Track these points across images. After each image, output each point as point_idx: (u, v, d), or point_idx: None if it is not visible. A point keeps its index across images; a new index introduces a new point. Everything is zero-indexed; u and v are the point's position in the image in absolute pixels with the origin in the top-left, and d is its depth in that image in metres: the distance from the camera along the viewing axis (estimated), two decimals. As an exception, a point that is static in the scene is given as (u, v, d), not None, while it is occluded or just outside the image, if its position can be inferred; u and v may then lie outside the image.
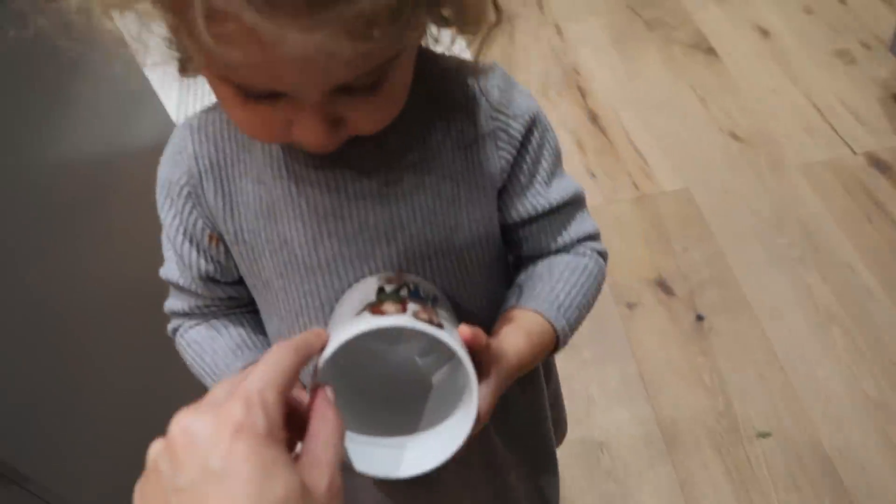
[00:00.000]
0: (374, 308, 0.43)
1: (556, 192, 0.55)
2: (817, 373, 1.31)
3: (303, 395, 0.39)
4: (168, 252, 0.55)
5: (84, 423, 0.78)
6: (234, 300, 0.57)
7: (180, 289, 0.56)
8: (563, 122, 1.86)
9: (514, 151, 0.52)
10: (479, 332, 0.43)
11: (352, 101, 0.39)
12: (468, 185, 0.51)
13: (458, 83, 0.51)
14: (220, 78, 0.38)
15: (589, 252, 0.58)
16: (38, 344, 0.72)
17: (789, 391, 1.29)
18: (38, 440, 0.71)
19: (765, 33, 2.06)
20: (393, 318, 0.40)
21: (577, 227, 0.58)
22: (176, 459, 0.30)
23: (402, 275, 0.50)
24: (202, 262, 0.53)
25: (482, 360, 0.44)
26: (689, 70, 1.97)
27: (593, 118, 1.87)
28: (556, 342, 0.54)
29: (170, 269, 0.55)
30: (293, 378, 0.36)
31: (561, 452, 0.79)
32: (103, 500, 0.74)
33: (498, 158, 0.52)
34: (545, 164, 0.55)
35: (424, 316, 0.41)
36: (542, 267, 0.58)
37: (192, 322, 0.58)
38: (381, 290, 0.46)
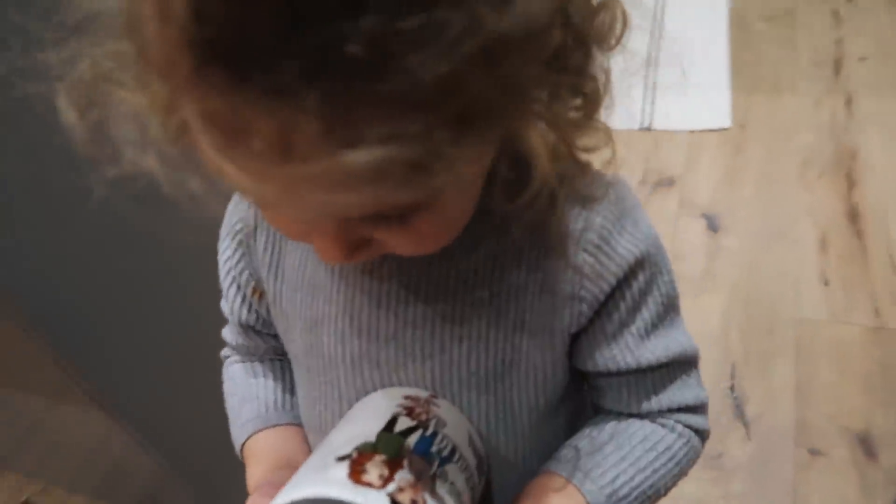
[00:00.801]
0: (357, 463, 0.37)
1: (651, 350, 0.45)
2: None
3: None
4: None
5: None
6: (275, 349, 0.54)
7: (230, 326, 0.54)
8: (811, 210, 1.59)
9: (602, 297, 0.43)
10: None
11: (379, 228, 0.34)
12: (535, 325, 0.43)
13: (557, 211, 0.41)
14: None
15: (679, 428, 0.48)
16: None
17: None
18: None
19: None
20: (346, 493, 0.34)
21: (672, 395, 0.47)
22: None
23: (430, 406, 0.43)
24: (244, 310, 0.51)
25: None
26: None
27: (853, 216, 1.57)
28: None
29: (223, 303, 0.53)
30: None
31: None
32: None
33: (581, 300, 0.43)
34: (645, 315, 0.45)
35: (406, 499, 0.35)
36: (609, 432, 0.47)
37: (237, 357, 0.57)
38: (391, 423, 0.41)
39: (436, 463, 0.39)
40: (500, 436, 0.46)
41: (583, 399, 0.51)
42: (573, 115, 0.34)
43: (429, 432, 0.41)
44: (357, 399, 0.46)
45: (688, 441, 0.47)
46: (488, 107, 0.27)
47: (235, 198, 0.49)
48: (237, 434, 0.53)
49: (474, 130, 0.27)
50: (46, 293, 0.81)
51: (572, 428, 0.50)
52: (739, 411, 1.26)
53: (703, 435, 0.49)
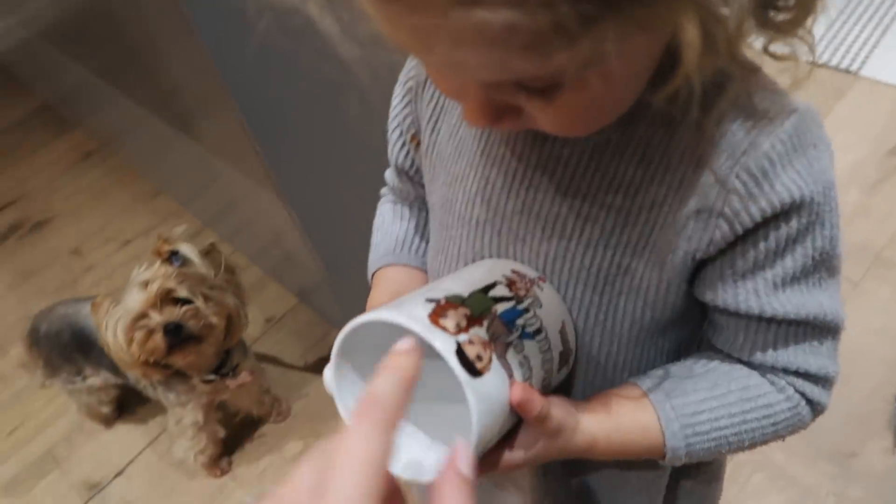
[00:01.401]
0: (441, 308, 0.38)
1: (782, 303, 0.40)
2: None
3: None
4: None
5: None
6: (423, 198, 0.57)
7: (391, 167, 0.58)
8: None
9: (741, 229, 0.38)
10: (531, 401, 0.38)
11: (526, 99, 0.33)
12: (661, 241, 0.41)
13: (726, 125, 0.38)
14: None
15: (789, 391, 0.43)
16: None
17: None
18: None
19: None
20: (418, 326, 0.36)
21: (793, 356, 0.43)
22: None
23: (533, 286, 0.43)
24: (402, 154, 0.54)
25: (534, 426, 0.40)
26: None
27: None
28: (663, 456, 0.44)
29: (389, 149, 0.56)
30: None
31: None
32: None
33: (716, 227, 0.39)
34: (788, 264, 0.40)
35: (472, 351, 0.36)
36: (710, 369, 0.45)
37: (391, 198, 0.60)
38: (489, 287, 0.42)
39: (516, 333, 0.40)
40: (595, 337, 0.45)
41: (697, 331, 0.48)
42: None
43: (521, 307, 0.42)
44: (473, 261, 0.48)
45: (794, 406, 0.43)
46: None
47: None
48: (372, 262, 0.58)
49: (607, 13, 0.26)
50: (258, 101, 0.92)
51: (678, 357, 0.48)
52: (895, 423, 1.13)
53: (815, 407, 0.44)
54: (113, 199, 1.83)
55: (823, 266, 0.41)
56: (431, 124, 0.49)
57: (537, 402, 0.38)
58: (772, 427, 0.43)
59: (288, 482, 0.27)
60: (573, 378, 0.47)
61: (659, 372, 0.46)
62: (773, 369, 0.43)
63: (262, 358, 1.37)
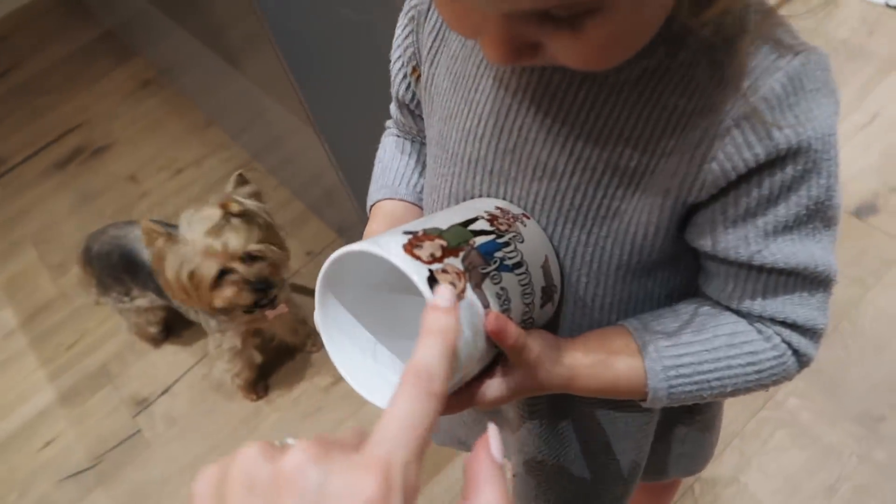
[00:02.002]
0: (417, 239, 0.39)
1: (772, 252, 0.40)
2: None
3: None
4: None
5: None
6: (424, 133, 0.56)
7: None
8: None
9: (734, 174, 0.37)
10: (505, 329, 0.38)
11: (549, 32, 0.32)
12: (653, 183, 0.40)
13: (731, 57, 0.36)
14: None
15: (776, 340, 0.43)
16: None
17: None
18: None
19: None
20: (390, 254, 0.37)
21: (780, 305, 0.42)
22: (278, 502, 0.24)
23: (515, 222, 0.43)
24: (403, 86, 0.54)
25: (511, 356, 0.40)
26: None
27: None
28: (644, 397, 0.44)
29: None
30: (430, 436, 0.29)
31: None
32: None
33: (709, 171, 0.38)
34: (780, 212, 0.39)
35: (445, 279, 0.36)
36: (698, 314, 0.44)
37: (394, 130, 0.60)
38: (469, 221, 0.42)
39: (493, 265, 0.40)
40: (582, 277, 0.45)
41: (691, 279, 0.47)
42: None
43: (501, 240, 0.42)
44: (464, 199, 0.48)
45: (780, 356, 0.43)
46: None
47: None
48: (372, 194, 0.59)
49: None
50: (299, 40, 0.92)
51: (670, 302, 0.47)
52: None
53: (801, 358, 0.44)
54: (167, 128, 1.89)
55: (818, 216, 0.39)
56: (431, 56, 0.48)
57: (512, 330, 0.38)
58: (755, 375, 0.43)
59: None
60: (559, 318, 0.48)
61: (646, 315, 0.46)
62: (761, 318, 0.43)
63: (301, 290, 1.41)
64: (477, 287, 0.38)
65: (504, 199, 0.45)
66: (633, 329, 0.44)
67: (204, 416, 1.30)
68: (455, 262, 0.38)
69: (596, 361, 0.43)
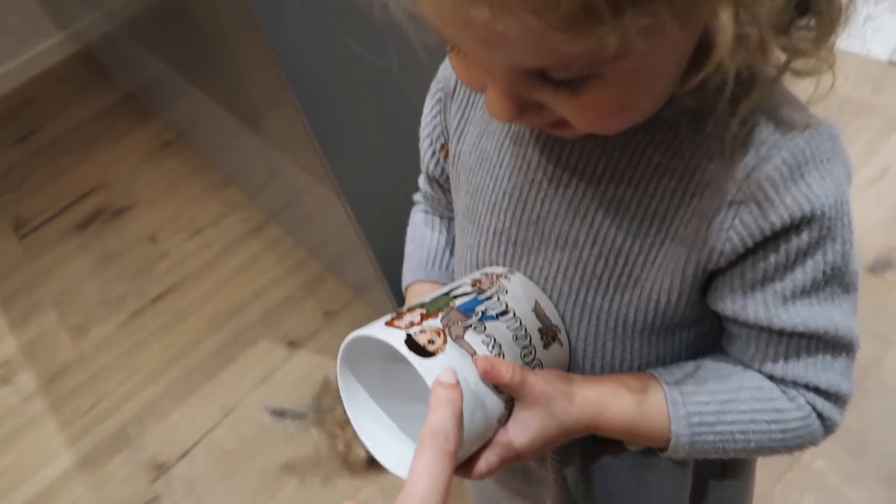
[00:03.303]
0: (399, 315, 0.42)
1: (791, 315, 0.41)
2: None
3: None
4: None
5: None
6: (452, 207, 0.58)
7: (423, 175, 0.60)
8: None
9: (751, 241, 0.39)
10: (494, 368, 0.40)
11: (550, 92, 0.33)
12: (673, 251, 0.41)
13: (742, 129, 0.38)
14: None
15: (800, 401, 0.43)
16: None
17: None
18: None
19: None
20: (372, 332, 0.40)
21: (803, 369, 0.43)
22: None
23: (499, 280, 0.46)
24: (432, 162, 0.56)
25: (514, 395, 0.42)
26: None
27: None
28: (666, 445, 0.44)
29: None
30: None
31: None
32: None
33: (727, 239, 0.39)
34: (798, 277, 0.40)
35: (423, 338, 0.39)
36: (721, 367, 0.45)
37: (423, 206, 0.62)
38: (451, 290, 0.45)
39: (474, 317, 0.42)
40: (608, 343, 0.46)
41: (714, 334, 0.48)
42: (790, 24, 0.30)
43: (482, 297, 0.44)
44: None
45: (805, 417, 0.43)
46: None
47: (444, 62, 0.52)
48: (406, 274, 0.61)
49: (650, 15, 0.26)
50: (319, 99, 0.95)
51: (693, 357, 0.48)
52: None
53: (826, 423, 0.44)
54: (187, 188, 1.92)
55: (836, 281, 0.41)
56: (457, 134, 0.51)
57: (504, 367, 0.40)
58: (780, 434, 0.43)
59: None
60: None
61: (672, 367, 0.46)
62: (784, 381, 0.44)
63: (320, 350, 1.42)
64: (459, 338, 0.40)
65: (528, 267, 0.47)
66: (658, 374, 0.45)
67: (222, 482, 1.29)
68: (433, 323, 0.41)
69: (618, 402, 0.44)
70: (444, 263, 0.59)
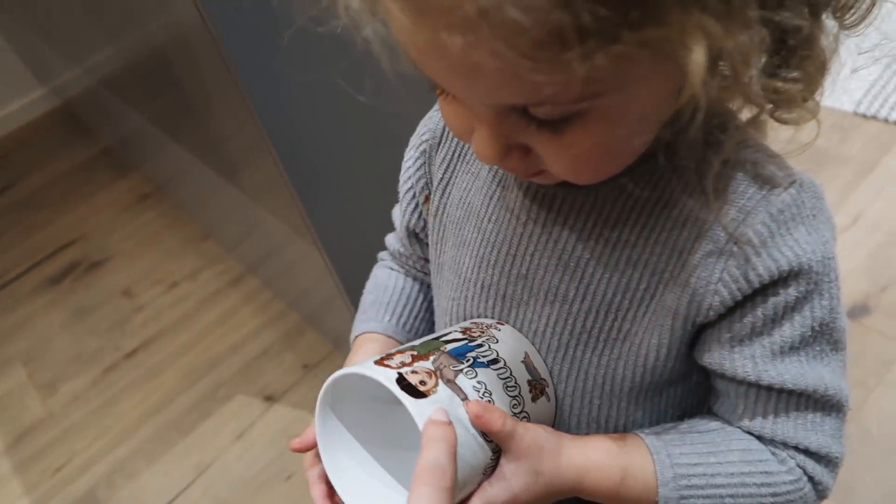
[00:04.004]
0: (389, 356, 0.41)
1: (779, 371, 0.40)
2: None
3: None
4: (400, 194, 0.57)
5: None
6: (424, 265, 0.58)
7: (396, 231, 0.59)
8: None
9: (739, 295, 0.39)
10: (487, 415, 0.39)
11: (533, 132, 0.34)
12: (661, 306, 0.41)
13: (726, 182, 0.38)
14: None
15: (791, 463, 0.42)
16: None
17: None
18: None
19: None
20: (363, 369, 0.39)
21: (791, 429, 0.42)
22: None
23: (490, 329, 0.46)
24: (414, 215, 0.55)
25: (502, 445, 0.41)
26: None
27: None
28: None
29: (395, 211, 0.58)
30: None
31: None
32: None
33: (715, 292, 0.39)
34: (786, 332, 0.40)
35: (414, 378, 0.38)
36: (712, 429, 0.44)
37: (389, 263, 0.61)
38: (442, 336, 0.45)
39: (465, 363, 0.42)
40: (595, 399, 0.46)
41: (701, 394, 0.48)
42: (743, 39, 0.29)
43: (473, 343, 0.44)
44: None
45: (796, 480, 0.42)
46: (646, 20, 0.26)
47: (429, 114, 0.53)
48: (358, 324, 0.58)
49: (626, 30, 0.26)
50: (298, 153, 0.96)
51: (680, 416, 0.48)
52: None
53: (819, 488, 0.43)
54: (164, 242, 1.90)
55: (824, 338, 0.40)
56: (442, 186, 0.51)
57: (496, 415, 0.39)
58: (771, 498, 0.42)
59: None
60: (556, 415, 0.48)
61: (659, 428, 0.46)
62: (774, 441, 0.43)
63: (298, 404, 1.39)
64: (450, 381, 0.40)
65: (516, 321, 0.47)
66: (644, 435, 0.44)
67: (195, 544, 1.24)
68: (425, 364, 0.40)
69: (606, 462, 0.43)
70: (406, 325, 0.58)
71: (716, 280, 0.39)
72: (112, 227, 2.01)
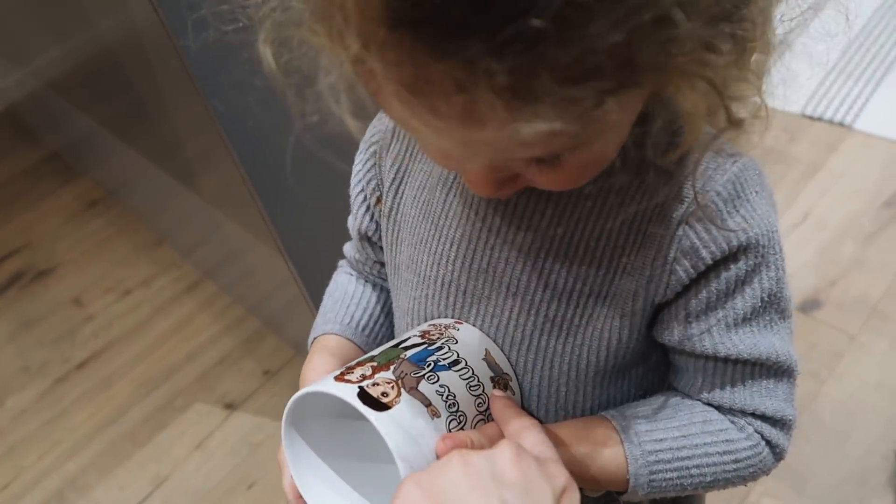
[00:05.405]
0: (349, 369, 0.42)
1: (734, 343, 0.43)
2: None
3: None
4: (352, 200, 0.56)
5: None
6: (381, 268, 0.58)
7: (352, 239, 0.58)
8: None
9: (693, 272, 0.41)
10: (457, 442, 0.40)
11: (533, 168, 0.35)
12: (621, 288, 0.43)
13: (682, 169, 0.41)
14: None
15: (749, 430, 0.45)
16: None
17: None
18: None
19: None
20: (325, 387, 0.39)
21: (748, 396, 0.45)
22: None
23: (448, 330, 0.46)
24: (366, 218, 0.54)
25: None
26: None
27: None
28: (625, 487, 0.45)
29: (350, 219, 0.57)
30: None
31: None
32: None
33: (671, 272, 0.41)
34: (738, 305, 0.42)
35: (376, 391, 0.39)
36: (672, 404, 0.46)
37: (348, 269, 0.61)
38: (400, 342, 0.45)
39: (427, 368, 0.42)
40: (562, 387, 0.47)
41: (661, 373, 0.50)
42: (725, 62, 0.31)
43: (432, 347, 0.44)
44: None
45: (755, 445, 0.45)
46: (650, 68, 0.27)
47: (378, 115, 0.52)
48: (318, 326, 0.57)
49: (633, 89, 0.28)
50: (259, 155, 0.94)
51: (642, 396, 0.49)
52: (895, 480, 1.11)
53: (776, 450, 0.46)
54: (115, 249, 1.85)
55: (773, 308, 0.43)
56: (395, 187, 0.50)
57: (463, 437, 0.40)
58: (733, 465, 0.45)
59: None
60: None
61: (624, 408, 0.47)
62: (732, 410, 0.45)
63: (260, 411, 1.36)
64: (413, 390, 0.40)
65: (479, 316, 0.47)
66: (611, 416, 0.45)
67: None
68: (386, 375, 0.41)
69: (577, 442, 0.44)
70: (366, 329, 0.57)
71: (671, 260, 0.41)
72: (59, 235, 1.94)
